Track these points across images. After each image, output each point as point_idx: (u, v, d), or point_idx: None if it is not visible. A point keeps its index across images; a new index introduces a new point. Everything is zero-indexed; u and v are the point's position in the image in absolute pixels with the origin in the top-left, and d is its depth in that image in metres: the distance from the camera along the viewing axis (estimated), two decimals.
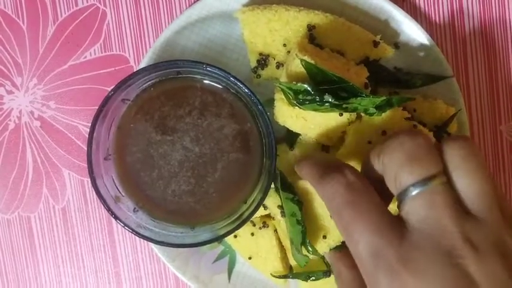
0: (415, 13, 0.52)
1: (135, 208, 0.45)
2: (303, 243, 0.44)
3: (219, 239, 0.44)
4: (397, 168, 0.33)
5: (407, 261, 0.31)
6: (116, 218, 0.43)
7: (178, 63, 0.42)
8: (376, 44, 0.47)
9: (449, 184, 0.33)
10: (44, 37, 0.53)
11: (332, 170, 0.36)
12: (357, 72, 0.45)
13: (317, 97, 0.42)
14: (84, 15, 0.53)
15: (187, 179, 0.45)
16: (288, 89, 0.42)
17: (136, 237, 0.48)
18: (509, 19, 0.52)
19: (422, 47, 0.49)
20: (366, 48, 0.48)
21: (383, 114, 0.44)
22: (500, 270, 0.30)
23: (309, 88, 0.41)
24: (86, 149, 0.43)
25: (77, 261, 0.54)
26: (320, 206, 0.45)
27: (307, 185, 0.45)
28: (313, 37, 0.47)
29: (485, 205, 0.32)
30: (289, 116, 0.45)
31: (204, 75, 0.45)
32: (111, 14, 0.53)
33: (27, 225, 0.54)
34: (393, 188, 0.34)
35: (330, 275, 0.48)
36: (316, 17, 0.47)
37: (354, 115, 0.44)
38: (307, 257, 0.45)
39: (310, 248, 0.45)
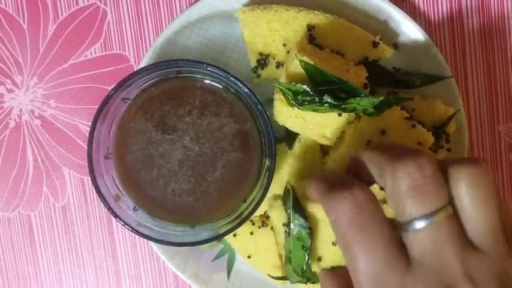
0: (414, 13, 0.52)
1: (135, 207, 0.46)
2: (304, 270, 0.45)
3: (218, 237, 0.44)
4: (402, 198, 0.31)
5: None
6: (116, 216, 0.43)
7: (178, 62, 0.43)
8: (375, 44, 0.48)
9: (455, 215, 0.32)
10: (45, 36, 0.53)
11: (340, 186, 0.33)
12: (356, 72, 0.45)
13: (316, 98, 0.42)
14: (84, 14, 0.53)
15: (187, 178, 0.45)
16: (287, 89, 0.43)
17: (136, 236, 0.48)
18: (508, 20, 0.53)
19: (421, 47, 0.49)
20: (365, 49, 0.48)
21: (382, 114, 0.44)
22: None
23: (308, 89, 0.42)
24: (86, 147, 0.43)
25: (77, 259, 0.55)
26: (322, 229, 0.45)
27: (316, 211, 0.44)
28: (312, 37, 0.47)
29: (490, 239, 0.31)
30: (289, 116, 0.45)
31: (204, 75, 0.45)
32: (111, 13, 0.53)
33: (27, 224, 0.55)
34: (395, 213, 0.32)
35: None
36: (316, 17, 0.47)
37: (353, 115, 0.45)
38: (302, 280, 0.46)
39: (308, 274, 0.45)
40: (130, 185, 0.46)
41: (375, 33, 0.48)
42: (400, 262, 0.31)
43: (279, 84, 0.43)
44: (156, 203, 0.45)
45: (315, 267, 0.45)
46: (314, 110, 0.43)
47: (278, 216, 0.47)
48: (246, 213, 0.44)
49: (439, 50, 0.50)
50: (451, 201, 0.32)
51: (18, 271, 0.55)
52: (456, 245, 0.31)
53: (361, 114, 0.44)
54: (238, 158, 0.45)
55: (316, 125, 0.45)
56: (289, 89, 0.42)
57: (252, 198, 0.45)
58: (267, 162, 0.44)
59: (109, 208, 0.43)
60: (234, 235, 0.50)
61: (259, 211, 0.49)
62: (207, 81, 0.45)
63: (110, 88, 0.43)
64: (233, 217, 0.45)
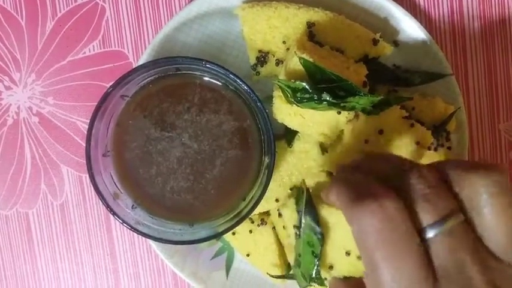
0: (415, 11, 0.52)
1: (133, 205, 0.45)
2: (313, 277, 0.44)
3: (217, 236, 0.44)
4: (410, 209, 0.30)
5: None
6: (115, 214, 0.43)
7: (177, 59, 0.42)
8: (375, 41, 0.47)
9: (467, 222, 0.30)
10: (43, 33, 0.53)
11: (368, 195, 0.30)
12: (356, 70, 0.45)
13: (315, 95, 0.42)
14: (83, 11, 0.53)
15: (186, 176, 0.45)
16: (286, 86, 0.42)
17: (135, 234, 0.48)
18: (509, 17, 0.52)
19: (421, 45, 0.49)
20: (366, 46, 0.48)
21: (381, 112, 0.44)
22: None
23: (307, 86, 0.42)
24: (84, 145, 0.43)
25: (75, 257, 0.54)
26: (337, 238, 0.43)
27: (329, 215, 0.43)
28: (312, 34, 0.47)
29: None
30: (288, 113, 0.45)
31: (204, 72, 0.45)
32: (110, 9, 0.53)
33: (25, 221, 0.54)
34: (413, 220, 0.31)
35: None
36: (316, 15, 0.47)
37: (352, 113, 0.44)
38: (310, 286, 0.45)
39: (317, 281, 0.44)
40: (128, 182, 0.45)
41: (375, 30, 0.48)
42: (427, 278, 0.29)
43: (278, 81, 0.43)
44: (155, 201, 0.45)
45: (326, 275, 0.44)
46: (313, 108, 0.43)
47: (290, 215, 0.46)
48: (245, 211, 0.44)
49: (439, 47, 0.49)
50: (462, 209, 0.30)
51: (16, 269, 0.55)
52: (474, 253, 0.29)
53: (359, 112, 0.44)
54: (237, 156, 0.45)
55: (315, 123, 0.45)
56: (288, 86, 0.42)
57: (251, 196, 0.45)
58: (266, 160, 0.44)
59: (107, 206, 0.43)
60: (233, 233, 0.50)
61: (258, 209, 0.49)
62: (206, 79, 0.45)
63: (108, 85, 0.42)
64: (232, 215, 0.45)
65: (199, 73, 0.45)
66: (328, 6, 0.48)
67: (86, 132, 0.42)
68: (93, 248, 0.54)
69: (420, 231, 0.30)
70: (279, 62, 0.48)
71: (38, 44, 0.53)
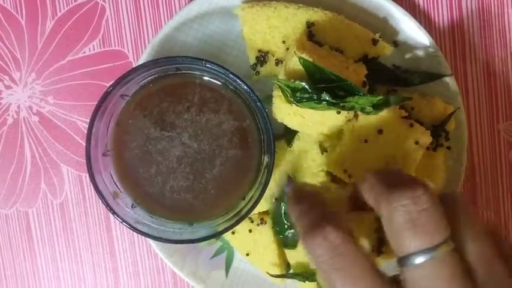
0: (414, 11, 0.52)
1: (133, 204, 0.45)
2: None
3: (217, 235, 0.44)
4: (399, 232, 0.30)
5: None
6: (114, 213, 0.43)
7: (177, 59, 0.42)
8: (375, 41, 0.47)
9: (457, 250, 0.30)
10: (43, 32, 0.53)
11: (315, 226, 0.31)
12: (356, 70, 0.45)
13: (314, 95, 0.42)
14: (83, 10, 0.53)
15: (186, 175, 0.45)
16: (285, 86, 0.42)
17: (134, 233, 0.48)
18: (508, 17, 0.53)
19: (421, 45, 0.49)
20: (365, 46, 0.48)
21: (380, 112, 0.44)
22: None
23: (306, 86, 0.42)
24: (84, 144, 0.43)
25: (75, 256, 0.54)
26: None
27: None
28: (312, 34, 0.47)
29: (495, 274, 0.30)
30: (287, 113, 0.45)
31: (203, 72, 0.45)
32: (110, 9, 0.53)
33: (25, 220, 0.54)
34: (393, 245, 0.31)
35: None
36: (315, 14, 0.47)
37: (351, 113, 0.45)
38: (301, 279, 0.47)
39: None
40: (128, 182, 0.45)
41: (375, 30, 0.48)
42: None
43: (278, 81, 0.43)
44: (155, 200, 0.45)
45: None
46: (312, 108, 0.43)
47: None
48: (244, 210, 0.44)
49: (438, 47, 0.49)
50: (453, 236, 0.30)
51: (16, 268, 0.55)
52: (459, 284, 0.29)
53: (359, 112, 0.44)
54: (237, 155, 0.45)
55: (315, 123, 0.45)
56: (288, 86, 0.42)
57: (250, 195, 0.45)
58: (266, 160, 0.44)
59: (107, 205, 0.43)
60: (233, 233, 0.50)
61: (258, 209, 0.49)
62: (206, 78, 0.45)
63: (108, 85, 0.43)
64: (232, 215, 0.45)
65: (199, 73, 0.45)
66: (327, 6, 0.48)
67: (85, 132, 0.43)
68: (93, 247, 0.54)
69: (404, 258, 0.30)
70: (278, 62, 0.48)
71: (38, 43, 0.53)
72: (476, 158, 0.53)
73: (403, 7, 0.49)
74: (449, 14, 0.52)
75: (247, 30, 0.48)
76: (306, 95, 0.42)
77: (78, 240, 0.54)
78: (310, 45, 0.46)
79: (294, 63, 0.43)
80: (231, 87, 0.45)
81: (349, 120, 0.45)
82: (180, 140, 0.45)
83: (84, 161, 0.42)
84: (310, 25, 0.47)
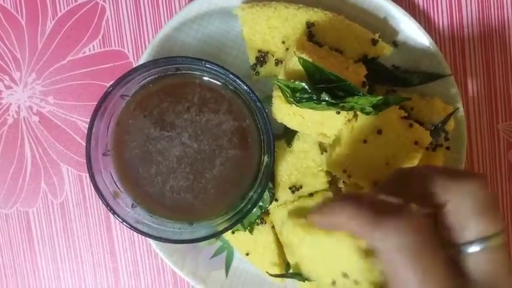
0: (414, 11, 0.52)
1: (133, 204, 0.46)
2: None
3: (216, 235, 0.44)
4: (467, 218, 0.32)
5: None
6: (114, 213, 0.43)
7: (177, 59, 0.42)
8: (374, 42, 0.48)
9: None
10: (43, 32, 0.53)
11: (393, 213, 0.31)
12: (355, 70, 0.45)
13: (314, 95, 0.42)
14: (83, 10, 0.53)
15: (186, 175, 0.45)
16: (285, 86, 0.42)
17: (135, 233, 0.48)
18: (507, 17, 0.53)
19: (420, 45, 0.49)
20: (365, 46, 0.48)
21: (379, 113, 0.44)
22: None
23: (306, 86, 0.42)
24: (84, 144, 0.43)
25: (75, 256, 0.55)
26: (333, 262, 0.40)
27: (325, 242, 0.39)
28: (312, 34, 0.47)
29: None
30: (287, 113, 0.45)
31: (203, 72, 0.45)
32: (110, 9, 0.53)
33: (25, 220, 0.55)
34: (453, 232, 0.33)
35: None
36: (315, 15, 0.47)
37: (351, 113, 0.45)
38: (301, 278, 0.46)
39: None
40: (128, 182, 0.46)
41: (374, 30, 0.48)
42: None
43: (278, 81, 0.43)
44: (155, 200, 0.45)
45: None
46: (312, 108, 0.43)
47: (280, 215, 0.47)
48: (244, 210, 0.44)
49: (438, 48, 0.49)
50: None
51: (16, 268, 0.55)
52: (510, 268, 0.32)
53: (358, 113, 0.44)
54: (236, 155, 0.45)
55: (315, 123, 0.45)
56: (288, 86, 0.42)
57: (250, 195, 0.45)
58: (266, 160, 0.44)
59: (107, 205, 0.43)
60: (233, 232, 0.50)
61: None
62: (206, 78, 0.45)
63: (108, 85, 0.43)
64: (231, 214, 0.45)
65: (199, 73, 0.45)
66: (327, 6, 0.48)
67: (86, 132, 0.43)
68: (93, 246, 0.54)
69: (465, 244, 0.32)
70: (278, 62, 0.48)
71: (38, 43, 0.53)
72: (476, 158, 0.53)
73: (402, 7, 0.49)
74: (448, 15, 0.52)
75: (247, 31, 0.48)
76: (306, 95, 0.42)
77: (78, 240, 0.54)
78: (310, 45, 0.46)
79: (294, 64, 0.43)
80: (230, 87, 0.45)
81: (348, 121, 0.45)
82: (180, 140, 0.45)
83: (85, 160, 0.43)
84: (310, 25, 0.47)
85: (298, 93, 0.42)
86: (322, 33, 0.47)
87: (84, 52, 0.53)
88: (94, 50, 0.53)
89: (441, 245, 0.32)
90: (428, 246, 0.31)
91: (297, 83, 0.42)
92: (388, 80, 0.49)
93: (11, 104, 0.54)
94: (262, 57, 0.48)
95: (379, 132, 0.45)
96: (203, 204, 0.45)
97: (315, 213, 0.35)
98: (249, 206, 0.43)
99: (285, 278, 0.51)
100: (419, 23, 0.50)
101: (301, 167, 0.48)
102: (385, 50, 0.48)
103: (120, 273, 0.55)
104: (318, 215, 0.35)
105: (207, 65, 0.42)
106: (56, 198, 0.54)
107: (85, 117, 0.54)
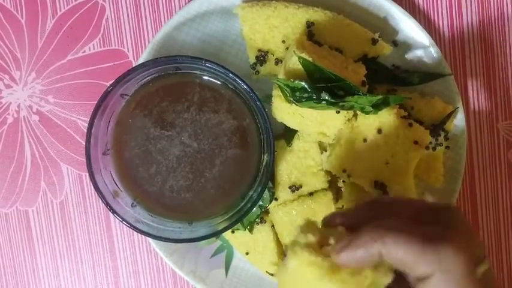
0: (414, 11, 0.52)
1: (133, 203, 0.46)
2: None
3: (216, 234, 0.44)
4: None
5: None
6: (114, 212, 0.43)
7: (177, 58, 0.42)
8: (374, 41, 0.48)
9: None
10: (43, 31, 0.53)
11: (436, 238, 0.31)
12: (355, 69, 0.45)
13: (314, 95, 0.42)
14: (83, 9, 0.53)
15: (186, 175, 0.45)
16: (285, 86, 0.42)
17: (134, 232, 0.48)
18: (508, 17, 0.53)
19: (420, 44, 0.49)
20: (365, 46, 0.48)
21: (379, 112, 0.44)
22: None
23: (306, 86, 0.42)
24: (84, 143, 0.43)
25: (75, 255, 0.55)
26: None
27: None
28: (311, 34, 0.47)
29: None
30: (287, 112, 0.45)
31: (203, 71, 0.45)
32: (110, 8, 0.53)
33: (25, 220, 0.55)
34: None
35: None
36: (315, 14, 0.47)
37: (350, 113, 0.45)
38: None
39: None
40: (128, 181, 0.46)
41: (374, 30, 0.48)
42: None
43: (278, 81, 0.43)
44: (154, 199, 0.45)
45: None
46: (312, 107, 0.43)
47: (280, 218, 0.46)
48: (244, 209, 0.44)
49: (438, 47, 0.49)
50: None
51: (16, 267, 0.55)
52: None
53: (358, 112, 0.44)
54: (236, 155, 0.45)
55: (314, 122, 0.45)
56: (287, 86, 0.42)
57: (250, 194, 0.45)
58: (266, 159, 0.44)
59: (107, 204, 0.43)
60: (232, 232, 0.50)
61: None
62: (206, 78, 0.45)
63: (108, 84, 0.43)
64: (231, 214, 0.45)
65: (199, 72, 0.45)
66: (327, 5, 0.48)
67: (85, 131, 0.43)
68: (93, 246, 0.54)
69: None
70: (278, 61, 0.48)
71: (38, 42, 0.53)
72: (476, 157, 0.53)
73: (402, 7, 0.49)
74: (448, 14, 0.52)
75: (247, 30, 0.48)
76: (306, 95, 0.42)
77: (78, 239, 0.54)
78: (310, 44, 0.46)
79: (294, 63, 0.43)
80: (230, 86, 0.45)
81: (348, 120, 0.45)
82: (180, 139, 0.45)
83: (84, 160, 0.43)
84: (310, 25, 0.47)
85: (298, 93, 0.42)
86: (322, 32, 0.47)
87: (84, 51, 0.53)
88: (94, 49, 0.53)
89: None
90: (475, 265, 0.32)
91: (296, 82, 0.42)
92: (388, 79, 0.49)
93: (10, 103, 0.54)
94: (262, 57, 0.48)
95: (379, 131, 0.45)
96: (203, 203, 0.45)
97: (342, 249, 0.32)
98: (249, 206, 0.43)
99: None
100: (419, 22, 0.50)
101: (301, 166, 0.48)
102: (385, 50, 0.48)
103: (119, 273, 0.55)
104: (347, 250, 0.32)
105: (207, 64, 0.42)
106: (55, 197, 0.54)
107: (85, 117, 0.54)
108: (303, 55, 0.42)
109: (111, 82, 0.42)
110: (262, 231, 0.50)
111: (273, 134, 0.42)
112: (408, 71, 0.50)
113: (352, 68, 0.45)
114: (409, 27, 0.49)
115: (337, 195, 0.49)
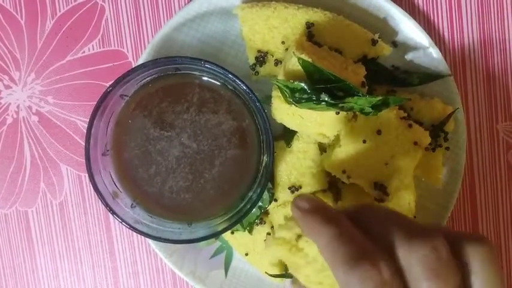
0: (414, 11, 0.52)
1: (132, 204, 0.46)
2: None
3: (216, 235, 0.44)
4: (417, 280, 0.30)
5: None
6: (114, 213, 0.43)
7: (177, 59, 0.42)
8: (374, 42, 0.48)
9: None
10: (42, 32, 0.53)
11: (363, 257, 0.30)
12: (355, 70, 0.45)
13: (313, 96, 0.42)
14: (82, 10, 0.53)
15: (185, 175, 0.45)
16: (284, 86, 0.42)
17: (134, 233, 0.48)
18: (507, 17, 0.53)
19: (420, 45, 0.49)
20: (364, 47, 0.48)
21: (379, 113, 0.44)
22: None
23: (305, 87, 0.42)
24: (83, 144, 0.43)
25: (74, 256, 0.55)
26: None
27: (309, 249, 0.37)
28: (311, 35, 0.47)
29: None
30: (286, 113, 0.45)
31: (203, 72, 0.45)
32: (109, 9, 0.53)
33: (24, 220, 0.55)
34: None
35: None
36: (315, 15, 0.47)
37: (350, 114, 0.45)
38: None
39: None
40: (127, 182, 0.46)
41: (374, 31, 0.48)
42: None
43: (277, 81, 0.43)
44: (154, 200, 0.45)
45: None
46: (311, 108, 0.43)
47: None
48: (243, 210, 0.44)
49: (437, 48, 0.49)
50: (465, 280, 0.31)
51: (15, 268, 0.55)
52: None
53: (358, 113, 0.44)
54: (236, 156, 0.45)
55: (314, 123, 0.45)
56: (287, 87, 0.42)
57: (249, 195, 0.45)
58: (265, 160, 0.44)
59: (106, 205, 0.43)
60: (232, 232, 0.50)
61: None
62: (205, 78, 0.45)
63: (107, 84, 0.43)
64: (231, 214, 0.45)
65: (199, 73, 0.45)
66: (327, 6, 0.48)
67: (85, 132, 0.43)
68: (93, 246, 0.54)
69: None
70: (277, 62, 0.48)
71: (37, 43, 0.53)
72: (475, 159, 0.53)
73: (402, 7, 0.49)
74: (448, 15, 0.52)
75: (246, 31, 0.48)
76: (305, 96, 0.42)
77: (77, 240, 0.54)
78: (310, 45, 0.46)
79: (293, 64, 0.43)
80: (230, 87, 0.45)
81: (348, 121, 0.45)
82: (180, 140, 0.45)
83: (84, 160, 0.42)
84: (309, 25, 0.47)
85: (297, 94, 0.42)
86: (321, 33, 0.47)
87: (84, 52, 0.53)
88: (93, 49, 0.53)
89: None
90: None
91: (296, 83, 0.42)
92: (387, 80, 0.49)
93: (10, 103, 0.54)
94: (261, 57, 0.48)
95: (379, 132, 0.45)
96: (202, 204, 0.45)
97: (301, 213, 0.34)
98: (248, 206, 0.43)
99: (284, 278, 0.51)
100: (419, 23, 0.50)
101: (301, 167, 0.48)
102: (385, 50, 0.48)
103: (119, 273, 0.55)
104: (302, 216, 0.33)
105: (206, 65, 0.42)
106: (55, 198, 0.54)
107: (84, 117, 0.54)
108: (303, 56, 0.42)
109: (110, 83, 0.42)
110: (261, 232, 0.50)
111: (273, 134, 0.42)
112: (408, 71, 0.50)
113: (352, 68, 0.45)
114: (408, 28, 0.49)
115: (337, 196, 0.49)
